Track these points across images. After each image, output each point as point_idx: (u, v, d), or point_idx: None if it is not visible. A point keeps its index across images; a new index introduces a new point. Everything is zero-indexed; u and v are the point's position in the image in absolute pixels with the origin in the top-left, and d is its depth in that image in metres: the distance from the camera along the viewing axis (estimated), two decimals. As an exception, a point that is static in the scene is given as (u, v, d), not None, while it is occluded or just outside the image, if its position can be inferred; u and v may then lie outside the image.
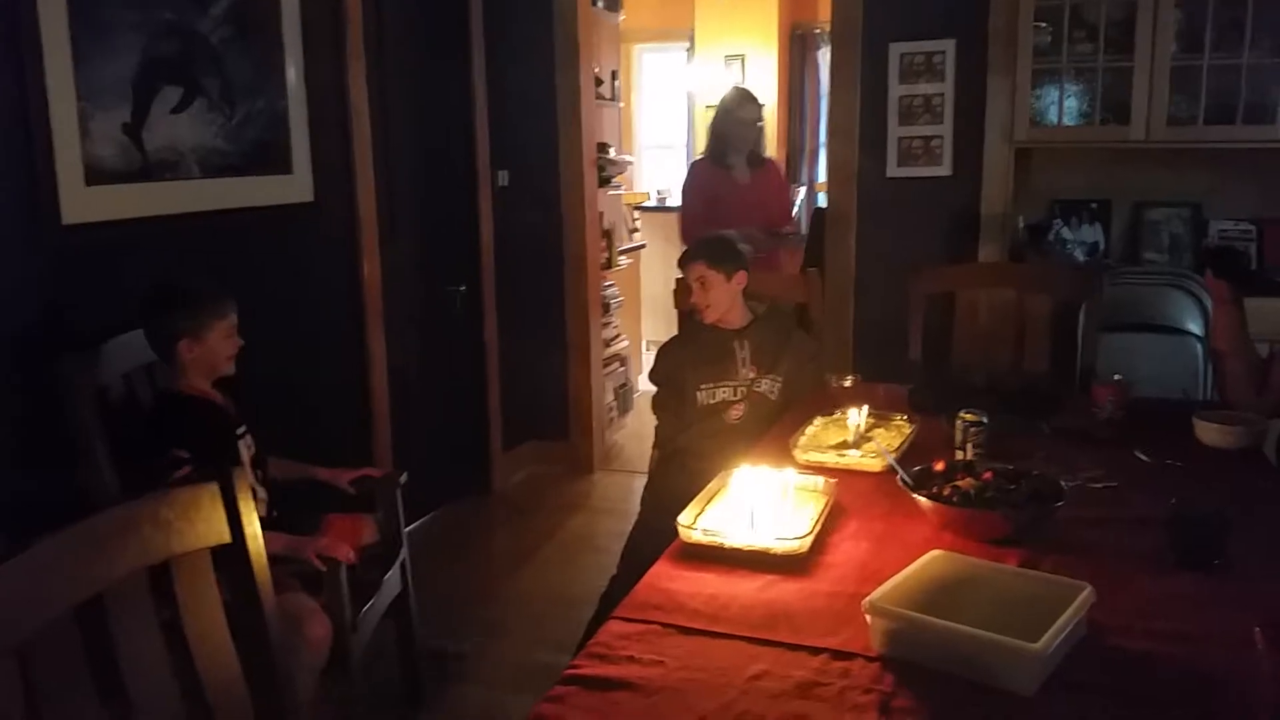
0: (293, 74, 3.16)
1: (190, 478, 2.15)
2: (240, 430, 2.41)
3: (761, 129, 4.26)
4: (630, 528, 2.82)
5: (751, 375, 2.80)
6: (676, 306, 3.15)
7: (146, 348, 2.41)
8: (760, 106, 4.27)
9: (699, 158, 4.38)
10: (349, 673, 2.31)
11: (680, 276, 3.16)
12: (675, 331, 3.12)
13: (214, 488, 1.32)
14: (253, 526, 1.35)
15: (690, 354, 2.87)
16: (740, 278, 2.81)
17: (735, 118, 4.12)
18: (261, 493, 2.42)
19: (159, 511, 1.28)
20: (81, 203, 2.45)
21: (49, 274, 2.42)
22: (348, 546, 2.31)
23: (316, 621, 2.21)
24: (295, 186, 3.22)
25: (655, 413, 2.98)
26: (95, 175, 2.50)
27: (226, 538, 1.34)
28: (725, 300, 2.81)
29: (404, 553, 2.70)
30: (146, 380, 2.46)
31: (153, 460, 2.22)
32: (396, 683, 2.82)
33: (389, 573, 2.60)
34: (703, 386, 2.80)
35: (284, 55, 3.14)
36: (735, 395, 2.79)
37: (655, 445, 3.01)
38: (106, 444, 2.28)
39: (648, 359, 4.36)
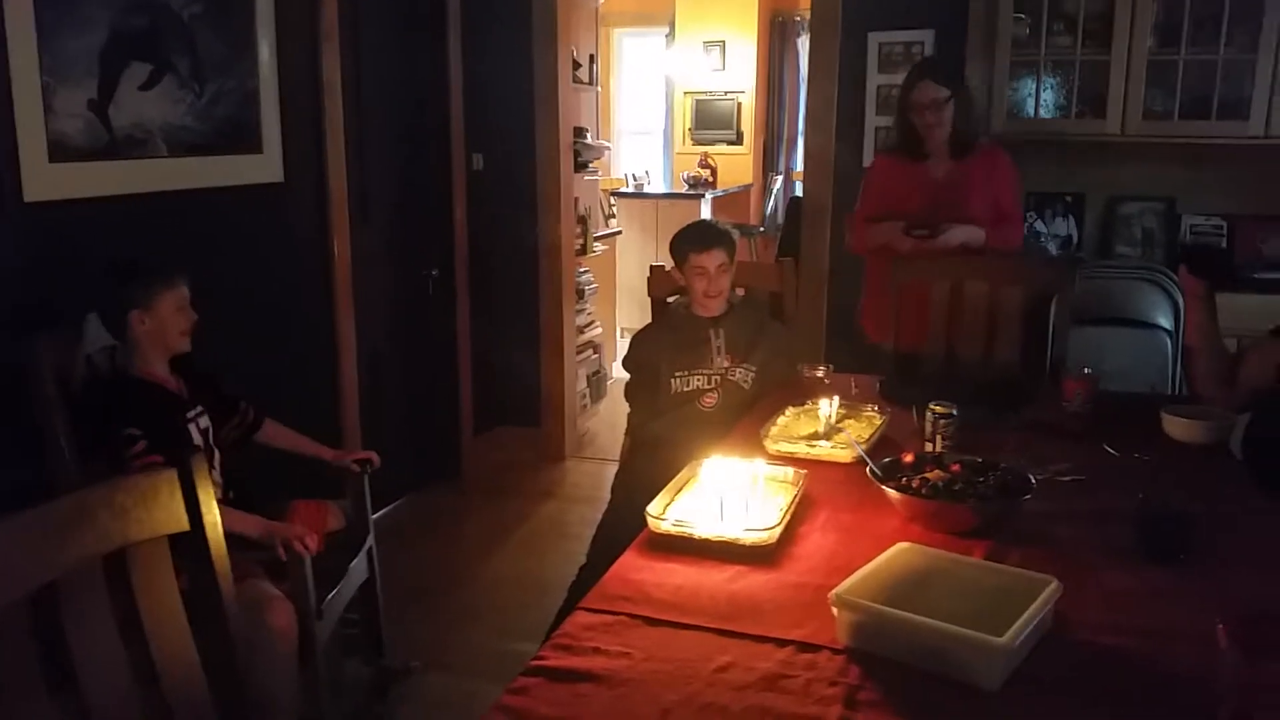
0: (265, 52, 3.11)
1: (145, 452, 2.15)
2: (192, 412, 2.38)
3: (949, 106, 3.17)
4: (601, 515, 2.82)
5: (726, 364, 2.79)
6: (650, 294, 3.14)
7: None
8: (945, 86, 3.18)
9: (883, 149, 3.45)
10: (314, 660, 2.29)
11: (656, 264, 3.15)
12: (650, 319, 3.11)
13: (172, 474, 1.30)
14: (212, 515, 1.33)
15: (665, 341, 2.86)
16: (734, 268, 2.83)
17: (909, 101, 3.21)
18: (216, 475, 2.39)
19: (115, 498, 1.25)
20: (44, 180, 2.41)
21: (10, 253, 2.37)
22: (317, 538, 2.28)
23: (279, 609, 2.18)
24: (265, 166, 3.18)
25: (628, 400, 2.96)
26: (59, 152, 2.45)
27: (185, 525, 1.31)
28: (728, 289, 2.82)
29: (371, 539, 2.68)
30: (110, 364, 2.41)
31: (104, 441, 2.19)
32: (363, 670, 2.80)
33: (355, 559, 2.58)
34: (677, 374, 2.79)
35: (256, 33, 3.09)
36: (709, 384, 2.78)
37: (627, 432, 3.00)
38: (69, 425, 2.24)
39: (622, 346, 4.31)
